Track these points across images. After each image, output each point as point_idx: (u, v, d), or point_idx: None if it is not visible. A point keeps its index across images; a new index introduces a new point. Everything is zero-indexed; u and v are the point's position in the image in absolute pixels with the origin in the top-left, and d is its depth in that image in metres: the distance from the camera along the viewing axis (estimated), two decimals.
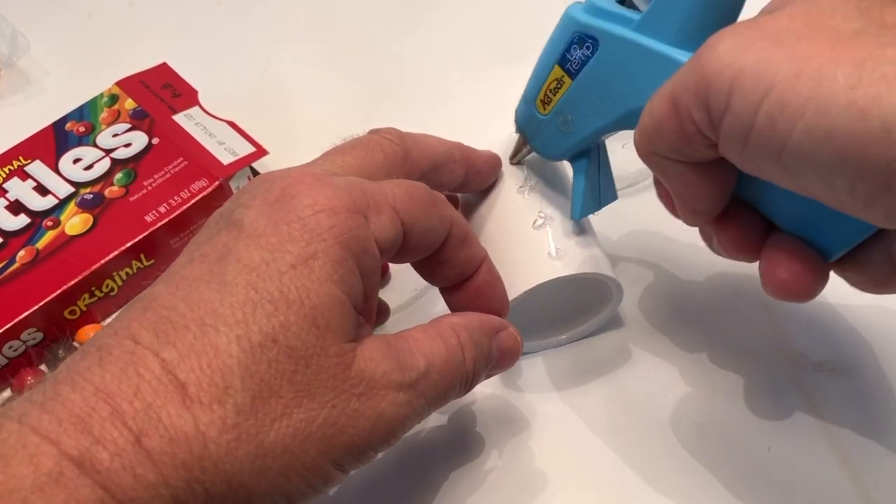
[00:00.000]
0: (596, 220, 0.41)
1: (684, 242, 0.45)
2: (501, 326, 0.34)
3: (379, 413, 0.28)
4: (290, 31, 0.58)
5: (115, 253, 0.42)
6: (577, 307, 0.41)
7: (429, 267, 0.34)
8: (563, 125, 0.37)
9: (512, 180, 0.40)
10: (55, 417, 0.24)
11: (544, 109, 0.37)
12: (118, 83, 0.50)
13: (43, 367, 0.42)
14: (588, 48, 0.34)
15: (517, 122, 0.40)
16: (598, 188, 0.39)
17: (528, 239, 0.38)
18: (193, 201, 0.44)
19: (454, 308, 0.35)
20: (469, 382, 0.32)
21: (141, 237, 0.42)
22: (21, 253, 0.42)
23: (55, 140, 0.47)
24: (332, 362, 0.27)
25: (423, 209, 0.31)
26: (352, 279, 0.28)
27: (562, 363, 0.41)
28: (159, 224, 0.43)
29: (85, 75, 0.53)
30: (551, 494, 0.37)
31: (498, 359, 0.33)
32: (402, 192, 0.31)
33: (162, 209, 0.43)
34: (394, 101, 0.53)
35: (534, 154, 0.40)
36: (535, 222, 0.38)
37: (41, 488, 0.23)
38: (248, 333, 0.26)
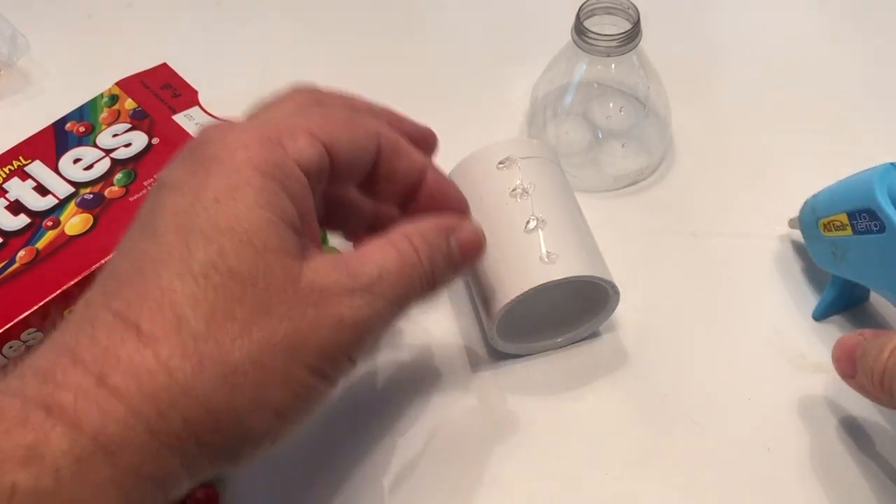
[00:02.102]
0: (593, 221, 0.41)
1: (683, 243, 0.45)
2: (456, 223, 0.33)
3: (339, 318, 0.28)
4: (289, 31, 0.58)
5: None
6: (574, 309, 0.41)
7: (372, 189, 0.34)
8: (835, 255, 0.38)
9: (505, 183, 0.39)
10: (19, 378, 0.25)
11: (825, 231, 0.39)
12: (118, 83, 0.49)
13: None
14: (875, 226, 0.35)
15: (800, 214, 0.41)
16: (847, 297, 0.41)
17: (520, 242, 0.38)
18: None
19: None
20: (431, 282, 0.32)
21: None
22: (21, 253, 0.42)
23: (55, 140, 0.47)
24: (279, 278, 0.27)
25: (343, 126, 0.31)
26: (279, 202, 0.28)
27: (559, 365, 0.41)
28: None
29: (85, 75, 0.53)
30: (551, 496, 0.37)
31: (460, 255, 0.33)
32: (316, 117, 0.31)
33: None
34: (394, 100, 0.53)
35: (527, 156, 0.40)
36: (527, 225, 0.38)
37: (7, 432, 0.24)
38: (187, 268, 0.27)
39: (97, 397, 0.25)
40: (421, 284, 0.31)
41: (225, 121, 0.31)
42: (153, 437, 0.25)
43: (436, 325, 0.43)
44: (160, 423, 0.25)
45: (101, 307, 0.27)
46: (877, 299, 0.42)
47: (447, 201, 0.35)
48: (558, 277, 0.37)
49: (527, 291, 0.37)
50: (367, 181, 0.33)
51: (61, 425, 0.24)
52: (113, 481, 0.24)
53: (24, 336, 0.40)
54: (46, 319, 0.41)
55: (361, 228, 0.36)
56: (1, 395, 0.25)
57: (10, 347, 0.40)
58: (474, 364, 0.41)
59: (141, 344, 0.25)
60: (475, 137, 0.40)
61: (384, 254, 0.30)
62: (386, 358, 0.42)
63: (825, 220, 0.38)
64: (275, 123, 0.30)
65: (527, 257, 0.37)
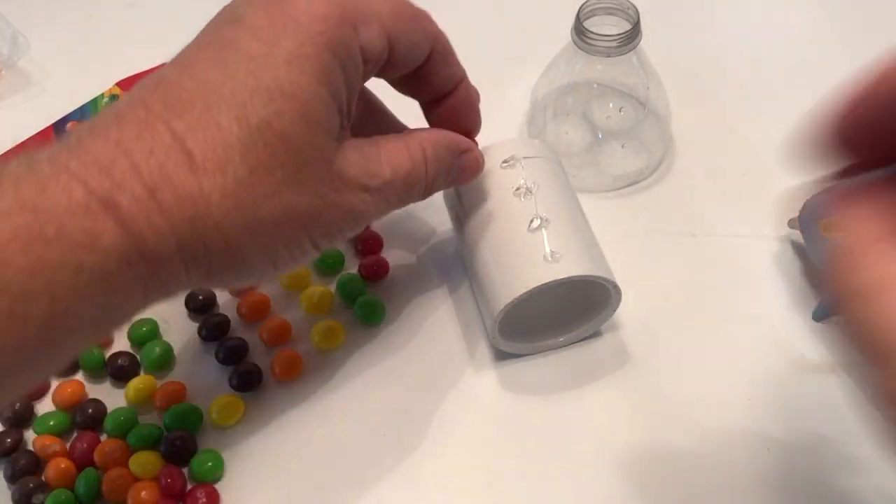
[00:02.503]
0: (594, 221, 0.41)
1: (683, 243, 0.45)
2: (467, 147, 0.38)
3: (351, 208, 0.32)
4: None
5: None
6: (576, 309, 0.41)
7: (412, 81, 0.36)
8: None
9: (508, 182, 0.40)
10: (81, 162, 0.27)
11: (825, 231, 0.39)
12: (119, 83, 0.50)
13: None
14: None
15: (800, 214, 0.41)
16: None
17: (523, 241, 0.38)
18: None
19: (432, 122, 0.38)
20: (427, 190, 0.36)
21: None
22: None
23: (56, 140, 0.47)
24: (319, 156, 0.30)
25: (408, 24, 0.33)
26: (337, 85, 0.31)
27: (561, 365, 0.41)
28: None
29: (85, 75, 0.53)
30: (552, 495, 0.37)
31: (458, 174, 0.38)
32: (388, 8, 0.33)
33: None
34: (394, 100, 0.53)
35: (530, 156, 0.40)
36: (530, 225, 0.38)
37: (73, 213, 0.26)
38: (246, 115, 0.29)
39: (147, 209, 0.27)
40: (419, 191, 0.35)
41: None
42: (179, 253, 0.28)
43: (437, 324, 0.43)
44: (189, 244, 0.28)
45: (161, 122, 0.28)
46: None
47: (467, 115, 0.38)
48: (562, 276, 0.37)
49: (531, 290, 0.37)
50: (407, 76, 0.36)
51: (113, 223, 0.27)
52: (141, 279, 0.28)
53: None
54: None
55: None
56: (65, 173, 0.27)
57: None
58: (475, 364, 0.42)
59: (191, 173, 0.28)
60: (475, 137, 0.40)
61: (399, 159, 0.34)
62: (387, 357, 0.42)
63: (825, 221, 0.38)
64: (353, 4, 0.31)
65: (530, 256, 0.37)
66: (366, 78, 0.33)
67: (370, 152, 0.33)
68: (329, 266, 0.45)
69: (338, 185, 0.31)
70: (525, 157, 0.40)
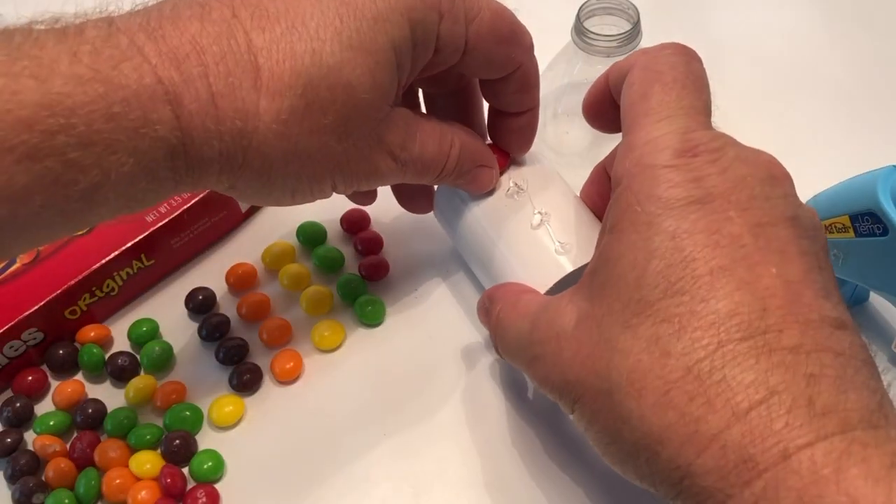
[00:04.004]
0: None
1: None
2: (489, 164, 0.38)
3: (376, 167, 0.34)
4: None
5: (116, 253, 0.42)
6: None
7: (484, 85, 0.38)
8: (836, 257, 0.38)
9: (498, 187, 0.39)
10: (157, 49, 0.28)
11: (826, 232, 0.38)
12: None
13: (43, 367, 0.42)
14: (878, 229, 0.35)
15: None
16: (847, 298, 0.41)
17: (531, 239, 0.38)
18: (194, 201, 0.44)
19: (488, 126, 0.40)
20: (439, 179, 0.37)
21: (141, 237, 0.42)
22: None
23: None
24: (371, 114, 0.32)
25: (495, 42, 0.35)
26: (406, 57, 0.32)
27: None
28: (159, 224, 0.43)
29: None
30: (553, 495, 0.37)
31: (467, 182, 0.38)
32: (488, 18, 0.34)
33: (162, 209, 0.43)
34: None
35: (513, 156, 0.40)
36: (533, 222, 0.38)
37: (139, 97, 0.27)
38: (322, 51, 0.30)
39: (206, 110, 0.28)
40: (431, 177, 0.37)
41: None
42: (219, 159, 0.29)
43: (437, 324, 0.43)
44: (230, 153, 0.29)
45: (242, 31, 0.29)
46: (877, 299, 0.42)
47: (515, 141, 0.39)
48: (580, 264, 0.36)
49: (553, 286, 0.36)
50: (481, 81, 0.38)
51: (172, 116, 0.28)
52: (178, 172, 0.29)
53: (24, 336, 0.40)
54: (47, 319, 0.41)
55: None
56: (141, 59, 0.27)
57: (11, 347, 0.40)
58: (476, 363, 0.42)
59: (254, 89, 0.29)
60: None
61: (430, 143, 0.35)
62: (387, 357, 0.42)
63: (827, 222, 0.38)
64: None
65: (542, 252, 0.37)
66: (436, 66, 0.34)
67: (411, 127, 0.34)
68: (329, 266, 0.45)
69: (373, 144, 0.33)
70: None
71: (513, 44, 0.35)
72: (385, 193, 0.42)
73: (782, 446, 0.24)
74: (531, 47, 0.36)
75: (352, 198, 0.42)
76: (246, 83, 0.29)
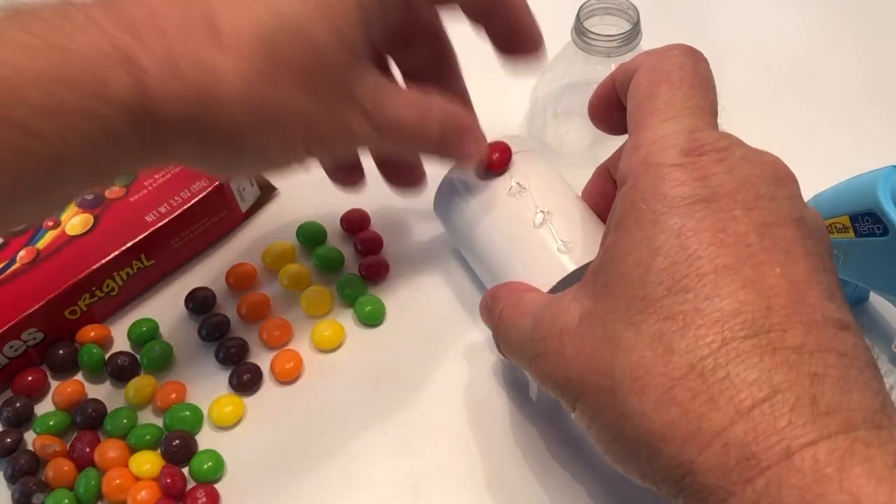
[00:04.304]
0: None
1: None
2: (474, 133, 0.38)
3: (349, 126, 0.33)
4: None
5: (116, 253, 0.42)
6: None
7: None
8: (836, 257, 0.38)
9: (499, 186, 0.39)
10: (114, 21, 0.28)
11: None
12: None
13: (43, 367, 0.42)
14: (878, 229, 0.35)
15: None
16: (847, 298, 0.40)
17: (534, 238, 0.38)
18: (193, 201, 0.44)
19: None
20: (417, 147, 0.37)
21: (141, 237, 0.42)
22: (21, 253, 0.42)
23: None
24: (340, 72, 0.31)
25: None
26: (374, 11, 0.32)
27: None
28: (160, 224, 0.43)
29: None
30: (556, 495, 0.37)
31: (451, 151, 0.37)
32: None
33: (162, 209, 0.43)
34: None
35: (514, 155, 0.40)
36: (535, 221, 0.38)
37: (96, 62, 0.27)
38: (283, 11, 0.29)
39: (166, 71, 0.28)
40: (408, 147, 0.37)
41: None
42: (185, 121, 0.29)
43: (437, 323, 0.43)
44: (195, 115, 0.29)
45: None
46: (877, 299, 0.42)
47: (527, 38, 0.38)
48: (584, 263, 0.36)
49: (555, 285, 0.36)
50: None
51: (131, 79, 0.27)
52: (144, 140, 0.29)
53: (24, 336, 0.40)
54: (46, 319, 0.41)
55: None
56: (97, 30, 0.27)
57: (11, 347, 0.40)
58: (476, 363, 0.42)
59: (215, 48, 0.29)
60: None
61: (407, 109, 0.34)
62: (387, 357, 0.42)
63: (827, 222, 0.38)
64: None
65: (545, 251, 0.37)
66: (411, 25, 0.35)
67: (385, 88, 0.34)
68: (329, 266, 0.45)
69: (345, 103, 0.32)
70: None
71: None
72: (385, 193, 0.42)
73: (785, 444, 0.24)
74: None
75: (336, 178, 0.41)
76: (205, 44, 0.28)
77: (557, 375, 0.30)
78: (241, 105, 0.29)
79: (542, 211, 0.38)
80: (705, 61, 0.32)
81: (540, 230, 0.38)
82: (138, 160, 0.30)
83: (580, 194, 0.40)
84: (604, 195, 0.38)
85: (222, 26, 0.29)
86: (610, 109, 0.35)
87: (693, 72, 0.31)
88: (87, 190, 0.29)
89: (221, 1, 0.29)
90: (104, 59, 0.27)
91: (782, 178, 0.29)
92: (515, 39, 0.37)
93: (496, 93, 0.52)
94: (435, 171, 0.41)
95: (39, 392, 0.41)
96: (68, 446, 0.39)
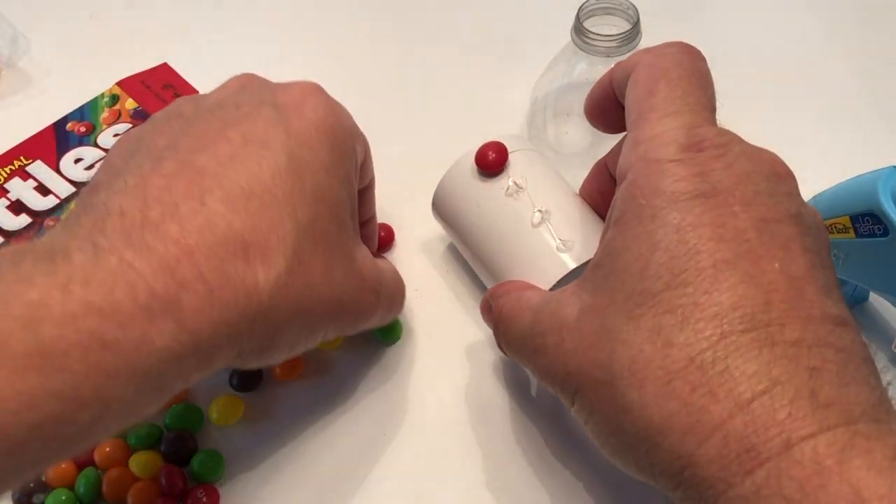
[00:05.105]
0: None
1: None
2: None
3: (363, 307, 0.35)
4: (289, 30, 0.58)
5: None
6: None
7: None
8: (836, 257, 0.38)
9: (497, 186, 0.39)
10: (147, 262, 0.27)
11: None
12: (119, 83, 0.50)
13: None
14: (879, 230, 0.35)
15: None
16: (847, 298, 0.40)
17: (532, 238, 0.38)
18: None
19: None
20: (393, 314, 0.40)
21: None
22: None
23: (56, 140, 0.47)
24: (346, 253, 0.33)
25: (368, 159, 0.38)
26: (352, 189, 0.35)
27: None
28: None
29: (85, 75, 0.53)
30: (558, 496, 0.37)
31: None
32: (362, 140, 0.37)
33: None
34: (394, 100, 0.53)
35: (511, 154, 0.40)
36: (533, 220, 0.38)
37: (135, 317, 0.26)
38: (296, 215, 0.31)
39: (208, 306, 0.28)
40: (390, 315, 0.39)
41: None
42: (228, 341, 0.29)
43: (437, 323, 0.43)
44: (237, 332, 0.29)
45: (222, 218, 0.29)
46: (877, 299, 0.42)
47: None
48: (583, 261, 0.36)
49: (556, 283, 0.36)
50: None
51: (174, 324, 0.27)
52: (189, 370, 0.28)
53: None
54: None
55: None
56: (134, 274, 0.27)
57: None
58: (477, 362, 0.42)
59: (247, 265, 0.29)
60: (475, 138, 0.40)
61: (393, 276, 0.39)
62: (387, 357, 0.42)
63: (827, 223, 0.38)
64: (351, 124, 0.36)
65: (543, 250, 0.37)
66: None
67: (372, 262, 0.36)
68: None
69: (357, 283, 0.34)
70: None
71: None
72: (385, 193, 0.42)
73: (785, 436, 0.24)
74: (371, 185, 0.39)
75: None
76: (239, 263, 0.29)
77: (557, 369, 0.30)
78: (279, 310, 0.30)
79: (539, 210, 0.38)
80: (703, 58, 0.33)
81: (538, 229, 0.38)
82: (185, 384, 0.29)
83: (578, 192, 0.40)
84: (601, 192, 0.38)
85: (250, 239, 0.29)
86: (607, 107, 0.35)
87: (691, 68, 0.32)
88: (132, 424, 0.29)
89: (240, 216, 0.29)
90: (143, 312, 0.26)
91: (781, 175, 0.30)
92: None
93: (496, 93, 0.53)
94: (434, 171, 0.41)
95: None
96: None
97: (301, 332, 0.32)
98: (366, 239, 0.39)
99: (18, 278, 0.25)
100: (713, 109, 0.31)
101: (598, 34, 0.43)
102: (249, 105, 0.33)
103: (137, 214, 0.28)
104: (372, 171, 0.39)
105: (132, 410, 0.27)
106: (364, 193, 0.39)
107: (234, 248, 0.29)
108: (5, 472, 0.25)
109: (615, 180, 0.32)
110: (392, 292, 0.38)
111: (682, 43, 0.33)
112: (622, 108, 0.33)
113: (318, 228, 0.31)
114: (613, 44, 0.43)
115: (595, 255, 0.31)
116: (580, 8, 0.44)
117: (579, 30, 0.43)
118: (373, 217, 0.42)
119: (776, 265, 0.27)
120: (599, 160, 0.38)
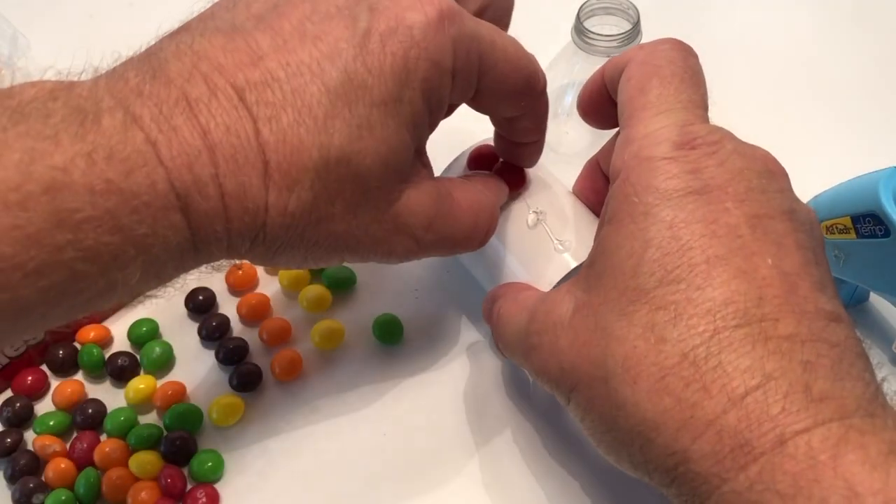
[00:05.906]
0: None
1: None
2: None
3: (391, 249, 0.32)
4: None
5: None
6: None
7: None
8: (837, 257, 0.38)
9: None
10: (170, 148, 0.26)
11: (828, 233, 0.38)
12: None
13: (43, 367, 0.42)
14: (880, 230, 0.35)
15: None
16: (847, 298, 0.41)
17: (529, 239, 0.38)
18: None
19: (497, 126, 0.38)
20: (456, 252, 0.36)
21: None
22: None
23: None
24: (383, 197, 0.30)
25: (506, 92, 0.33)
26: (422, 129, 0.31)
27: None
28: None
29: (85, 76, 0.53)
30: (559, 496, 0.37)
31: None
32: (502, 68, 0.32)
33: None
34: None
35: None
36: (529, 221, 0.38)
37: (148, 204, 0.25)
38: (329, 145, 0.28)
39: (217, 214, 0.27)
40: (447, 254, 0.36)
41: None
42: (228, 249, 0.29)
43: (437, 323, 0.43)
44: (238, 243, 0.28)
45: (251, 121, 0.27)
46: (877, 299, 0.42)
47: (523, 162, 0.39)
48: (582, 261, 0.36)
49: (557, 282, 0.36)
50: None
51: (183, 223, 0.27)
52: (188, 264, 0.29)
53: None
54: None
55: None
56: (156, 162, 0.26)
57: (11, 347, 0.40)
58: (477, 362, 0.42)
59: (262, 183, 0.28)
60: (475, 138, 0.40)
61: (455, 228, 0.33)
62: (387, 357, 0.42)
63: (828, 223, 0.38)
64: (469, 49, 0.31)
65: (541, 251, 0.37)
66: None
67: (443, 206, 0.33)
68: (341, 286, 0.44)
69: (388, 226, 0.31)
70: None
71: (524, 94, 0.34)
72: None
73: (779, 431, 0.24)
74: (543, 91, 0.35)
75: None
76: (255, 180, 0.28)
77: (552, 367, 0.30)
78: (280, 236, 0.29)
79: (535, 211, 0.38)
80: (695, 55, 0.33)
81: (535, 230, 0.38)
82: (173, 278, 0.30)
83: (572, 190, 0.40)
84: (595, 190, 0.38)
85: (270, 157, 0.28)
86: (599, 104, 0.35)
87: (684, 66, 0.32)
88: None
89: (268, 123, 0.28)
90: (160, 202, 0.26)
91: (773, 172, 0.30)
92: (519, 151, 0.38)
93: None
94: (453, 151, 0.41)
95: (39, 392, 0.41)
96: (68, 446, 0.39)
97: (307, 256, 0.31)
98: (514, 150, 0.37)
99: (45, 134, 0.25)
100: (706, 107, 0.31)
101: (598, 34, 0.43)
102: (348, 1, 0.30)
103: (177, 89, 0.27)
104: (524, 109, 0.35)
105: (132, 291, 0.28)
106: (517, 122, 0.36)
107: (253, 161, 0.27)
108: (9, 331, 0.25)
109: (608, 178, 0.32)
110: (458, 238, 0.34)
111: (673, 40, 0.33)
112: (615, 104, 0.33)
113: (353, 165, 0.29)
114: (614, 44, 0.43)
115: (589, 253, 0.31)
116: (580, 8, 0.44)
117: (579, 30, 0.43)
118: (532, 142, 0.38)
119: (769, 261, 0.27)
120: (592, 158, 0.38)
